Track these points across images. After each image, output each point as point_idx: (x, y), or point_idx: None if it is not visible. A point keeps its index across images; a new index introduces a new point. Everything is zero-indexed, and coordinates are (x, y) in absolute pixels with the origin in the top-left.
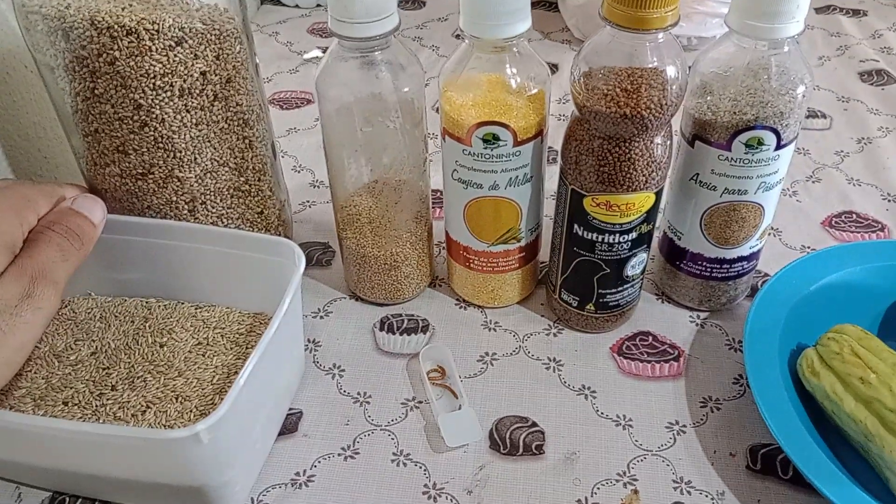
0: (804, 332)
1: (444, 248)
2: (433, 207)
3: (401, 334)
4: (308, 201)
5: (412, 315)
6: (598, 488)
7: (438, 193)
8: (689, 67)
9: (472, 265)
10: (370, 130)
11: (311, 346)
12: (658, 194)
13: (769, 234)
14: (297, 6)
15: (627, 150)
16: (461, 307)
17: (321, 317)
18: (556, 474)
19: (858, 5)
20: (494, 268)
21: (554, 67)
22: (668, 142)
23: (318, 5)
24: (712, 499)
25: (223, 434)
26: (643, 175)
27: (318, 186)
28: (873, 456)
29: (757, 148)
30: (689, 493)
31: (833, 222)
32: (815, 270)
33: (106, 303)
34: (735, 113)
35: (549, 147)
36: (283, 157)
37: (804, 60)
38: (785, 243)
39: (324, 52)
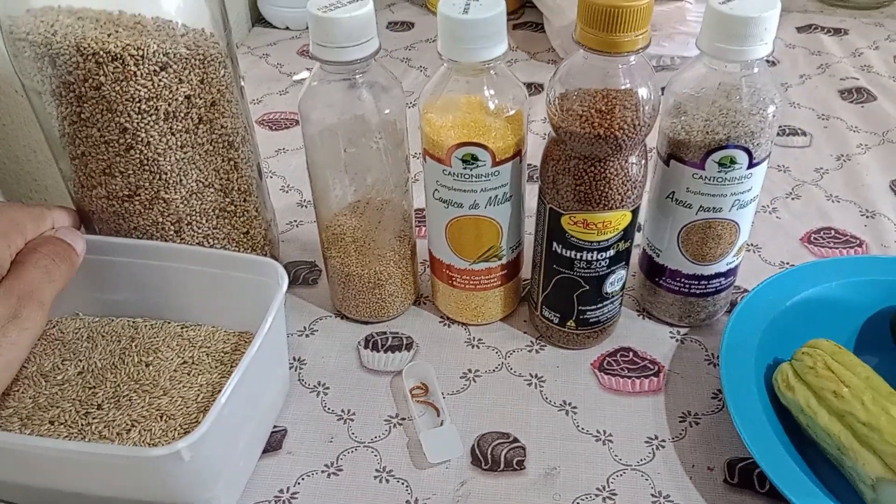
0: (781, 347)
1: (428, 266)
2: (417, 226)
3: (385, 352)
4: (295, 221)
5: (396, 333)
6: (578, 503)
7: (423, 212)
8: (663, 88)
9: (454, 283)
10: (354, 151)
11: (296, 365)
12: (634, 212)
13: (748, 249)
14: (287, 28)
15: (603, 170)
16: (445, 324)
17: (307, 335)
18: (536, 490)
19: (839, 24)
20: (477, 285)
21: (539, 87)
22: (643, 161)
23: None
24: None
25: (205, 452)
26: (619, 194)
27: (306, 206)
28: (847, 469)
29: (730, 166)
30: None
31: (812, 238)
32: (792, 286)
33: (93, 323)
34: (708, 133)
35: (531, 165)
36: (271, 177)
37: (774, 81)
38: (764, 259)
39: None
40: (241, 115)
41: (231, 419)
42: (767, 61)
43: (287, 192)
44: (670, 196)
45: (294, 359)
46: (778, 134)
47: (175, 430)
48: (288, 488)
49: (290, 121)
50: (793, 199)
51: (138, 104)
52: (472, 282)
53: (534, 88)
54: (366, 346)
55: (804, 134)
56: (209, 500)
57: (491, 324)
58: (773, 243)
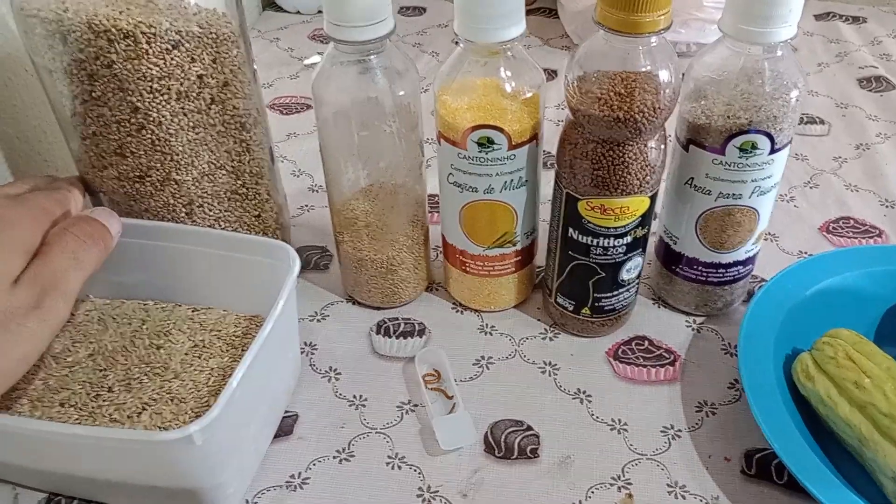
0: (800, 337)
1: (441, 252)
2: (430, 212)
3: (397, 338)
4: (307, 205)
5: (409, 319)
6: (593, 492)
7: (436, 198)
8: (684, 72)
9: (468, 269)
10: (366, 135)
11: (307, 350)
12: (653, 198)
13: (766, 239)
14: (298, 12)
15: (621, 154)
16: (458, 311)
17: (318, 320)
18: (550, 478)
19: (858, 12)
20: (490, 272)
21: (553, 73)
22: (663, 146)
23: (319, 11)
24: (706, 503)
25: (217, 436)
26: (637, 179)
27: (317, 191)
28: (867, 461)
29: (751, 152)
30: (683, 497)
31: (830, 228)
32: (812, 275)
33: (104, 305)
34: (729, 117)
35: (546, 151)
36: (282, 161)
37: (797, 65)
38: (782, 248)
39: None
40: (253, 97)
41: (242, 403)
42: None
43: (298, 176)
44: (689, 182)
45: (305, 344)
46: None
47: (186, 413)
48: (299, 473)
49: (301, 105)
50: (811, 188)
51: (150, 83)
52: (485, 268)
53: (548, 74)
54: (378, 332)
55: (822, 122)
56: (220, 485)
57: (504, 311)
58: (791, 233)
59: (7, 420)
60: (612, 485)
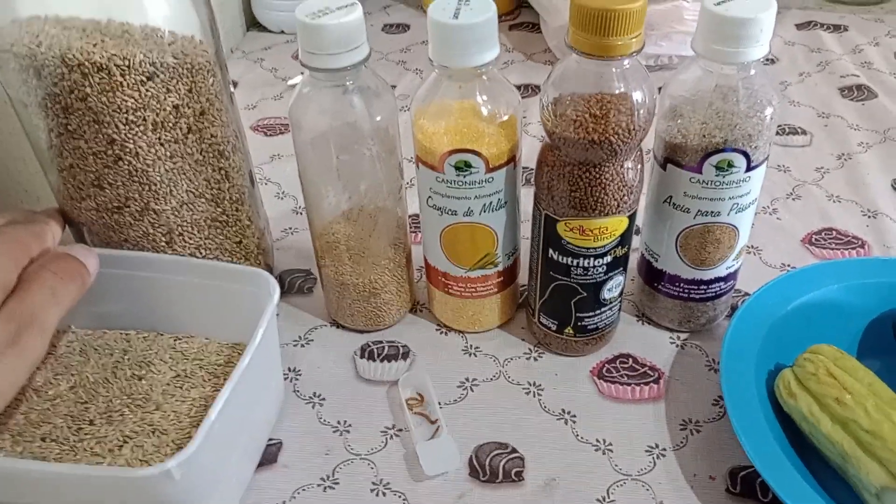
0: (782, 352)
1: (424, 272)
2: (413, 232)
3: (381, 361)
4: (290, 228)
5: (393, 342)
6: None
7: (418, 218)
8: (659, 90)
9: (451, 290)
10: (346, 158)
11: (291, 375)
12: (631, 218)
13: (749, 252)
14: (282, 31)
15: (598, 175)
16: (442, 332)
17: (302, 345)
18: (535, 501)
19: (839, 20)
20: (473, 293)
21: (535, 89)
22: (639, 165)
23: None
24: None
25: (197, 468)
26: (615, 199)
27: (301, 213)
28: (851, 478)
29: (727, 170)
30: None
31: (813, 239)
32: (793, 289)
33: (86, 336)
34: (704, 136)
35: (527, 168)
36: (265, 184)
37: (772, 82)
38: (765, 261)
39: None
40: (231, 124)
41: (223, 434)
42: (765, 61)
43: (282, 198)
44: (667, 200)
45: (289, 369)
46: (778, 133)
47: (168, 445)
48: (284, 502)
49: (284, 126)
50: (793, 199)
51: (125, 115)
52: (468, 289)
53: (530, 90)
54: (362, 356)
55: (804, 133)
56: None
57: (488, 331)
58: (774, 245)
59: None
60: None
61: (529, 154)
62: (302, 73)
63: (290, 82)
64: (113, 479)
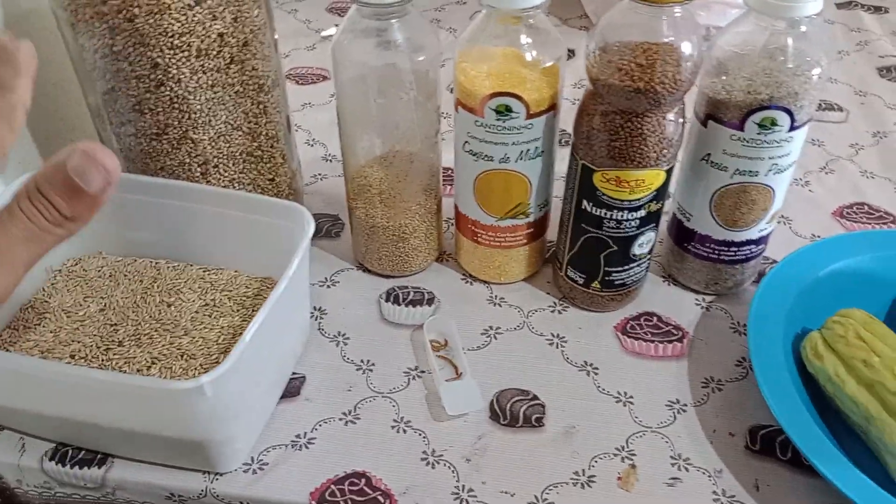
0: (810, 317)
1: (453, 224)
2: (445, 185)
3: (406, 306)
4: (320, 174)
5: (418, 288)
6: (596, 462)
7: (450, 171)
8: (706, 44)
9: (479, 240)
10: (384, 102)
11: (317, 314)
12: (669, 172)
13: (779, 222)
14: None
15: (639, 126)
16: (467, 282)
17: (328, 286)
18: (554, 446)
19: (880, 2)
20: (502, 243)
21: (571, 53)
22: (681, 120)
23: None
24: (709, 476)
25: (226, 389)
26: (654, 151)
27: (331, 160)
28: (873, 439)
29: (770, 128)
30: (686, 469)
31: (844, 213)
32: (824, 256)
33: (116, 262)
34: (749, 92)
35: (562, 130)
36: (297, 130)
37: (822, 43)
38: (795, 232)
39: None
40: (272, 59)
41: (253, 360)
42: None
43: (312, 145)
44: (705, 158)
45: (315, 308)
46: None
47: (196, 369)
48: (305, 433)
49: (317, 76)
50: (826, 173)
51: (171, 39)
52: (497, 239)
53: (567, 54)
54: (387, 300)
55: (840, 109)
56: (227, 439)
57: (514, 283)
58: (805, 216)
59: (22, 361)
60: (615, 455)
61: (563, 117)
62: (336, 25)
63: (324, 34)
64: (147, 390)
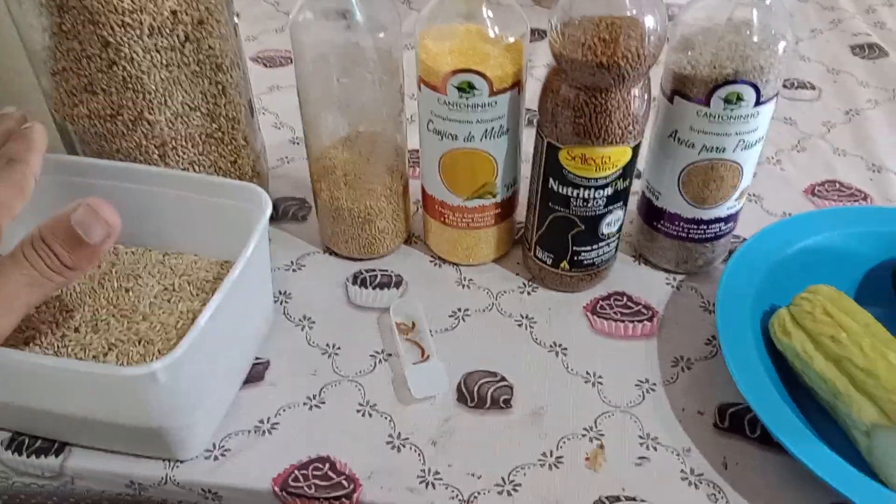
0: (779, 294)
1: (421, 206)
2: (412, 166)
3: (373, 288)
4: (286, 157)
5: (386, 270)
6: (564, 442)
7: (417, 152)
8: (670, 20)
9: (447, 220)
10: (347, 82)
11: (281, 298)
12: (635, 149)
13: (750, 199)
14: None
15: (604, 102)
16: (436, 264)
17: (294, 270)
18: (522, 428)
19: None
20: (470, 223)
21: (542, 33)
22: (646, 95)
23: None
24: (678, 455)
25: (182, 375)
26: (620, 128)
27: (298, 143)
28: (841, 416)
29: (736, 104)
30: (654, 448)
31: (815, 191)
32: (794, 233)
33: None
34: (715, 67)
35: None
36: (263, 113)
37: (787, 17)
38: (766, 210)
39: None
40: (230, 39)
41: (210, 344)
42: None
43: (279, 128)
44: (672, 135)
45: (280, 292)
46: (785, 86)
47: (154, 354)
48: (268, 419)
49: (284, 58)
50: (798, 151)
51: (121, 16)
52: (464, 219)
53: (536, 35)
54: (354, 283)
55: (813, 88)
56: (185, 426)
57: (483, 265)
58: (776, 194)
59: None
60: (583, 435)
61: (532, 98)
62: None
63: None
64: (99, 377)
